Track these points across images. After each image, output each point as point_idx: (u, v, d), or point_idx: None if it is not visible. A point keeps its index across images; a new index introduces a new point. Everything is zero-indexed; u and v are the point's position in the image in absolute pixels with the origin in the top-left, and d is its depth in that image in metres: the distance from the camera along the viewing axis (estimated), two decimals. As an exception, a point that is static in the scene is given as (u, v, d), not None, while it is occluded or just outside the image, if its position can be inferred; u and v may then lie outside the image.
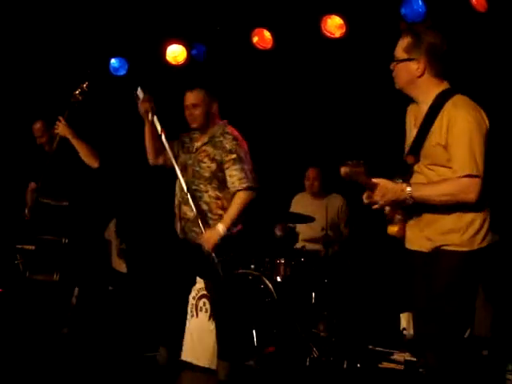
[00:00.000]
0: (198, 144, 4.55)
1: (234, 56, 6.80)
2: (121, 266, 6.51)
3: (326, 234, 5.85)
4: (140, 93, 4.50)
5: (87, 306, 5.50)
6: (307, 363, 5.11)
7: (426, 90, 3.24)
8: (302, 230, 6.36)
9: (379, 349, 5.34)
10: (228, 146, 4.41)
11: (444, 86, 3.24)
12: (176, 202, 4.53)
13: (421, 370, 4.79)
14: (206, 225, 4.34)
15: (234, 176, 4.36)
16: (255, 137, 7.02)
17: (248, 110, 7.07)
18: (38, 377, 4.61)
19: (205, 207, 4.39)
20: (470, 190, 3.02)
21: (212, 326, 5.09)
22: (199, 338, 5.16)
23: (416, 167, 3.21)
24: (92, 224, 5.45)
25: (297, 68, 6.62)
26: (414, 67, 3.24)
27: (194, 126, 4.54)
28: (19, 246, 5.24)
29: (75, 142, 5.17)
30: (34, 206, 5.28)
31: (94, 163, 5.21)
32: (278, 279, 5.58)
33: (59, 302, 5.27)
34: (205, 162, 4.43)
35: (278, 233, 5.88)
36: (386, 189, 3.10)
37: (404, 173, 3.22)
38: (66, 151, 5.26)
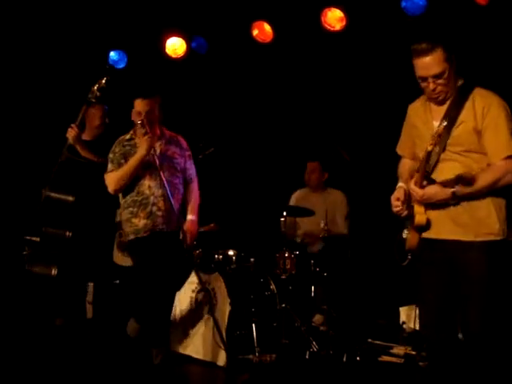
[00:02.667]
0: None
1: (233, 49, 6.78)
2: (122, 259, 6.49)
3: (326, 228, 5.84)
4: None
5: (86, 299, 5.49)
6: (307, 357, 5.12)
7: (452, 86, 3.31)
8: (302, 223, 6.37)
9: (379, 342, 5.33)
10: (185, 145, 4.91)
11: (461, 80, 3.35)
12: (156, 199, 4.62)
13: (420, 363, 4.80)
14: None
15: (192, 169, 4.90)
16: (255, 130, 7.06)
17: (248, 103, 7.06)
18: (33, 369, 4.63)
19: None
20: (510, 171, 3.17)
21: (211, 319, 5.10)
22: (198, 330, 5.16)
23: (444, 155, 3.27)
24: (97, 218, 5.43)
25: (297, 61, 6.60)
26: (455, 64, 3.29)
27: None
28: (28, 238, 5.22)
29: (80, 150, 5.18)
30: (44, 200, 5.27)
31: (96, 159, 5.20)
32: (278, 273, 5.57)
33: (56, 295, 5.26)
34: (176, 158, 4.80)
35: (316, 248, 5.90)
36: (434, 190, 3.21)
37: (431, 163, 3.29)
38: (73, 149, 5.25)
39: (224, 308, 5.08)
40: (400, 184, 3.55)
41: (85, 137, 5.35)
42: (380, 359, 5.06)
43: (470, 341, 3.25)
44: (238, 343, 5.04)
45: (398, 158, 3.73)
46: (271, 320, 5.25)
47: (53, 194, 5.19)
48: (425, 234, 3.37)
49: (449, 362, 3.30)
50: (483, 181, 3.15)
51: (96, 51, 6.78)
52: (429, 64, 3.21)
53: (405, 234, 3.48)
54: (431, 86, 3.26)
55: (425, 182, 3.27)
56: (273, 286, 5.39)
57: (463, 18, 5.54)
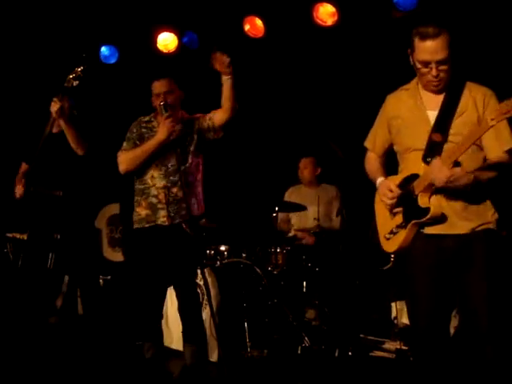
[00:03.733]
0: None
1: (225, 44, 6.75)
2: (112, 254, 6.48)
3: (318, 223, 5.85)
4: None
5: (78, 296, 5.47)
6: (299, 352, 5.12)
7: (450, 74, 3.26)
8: (295, 219, 6.37)
9: (371, 337, 5.36)
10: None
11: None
12: (157, 190, 4.39)
13: (412, 358, 4.81)
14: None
15: None
16: (248, 126, 7.05)
17: (240, 98, 7.04)
18: (26, 367, 4.60)
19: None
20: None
21: (202, 314, 5.09)
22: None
23: (445, 146, 3.17)
24: (84, 214, 5.39)
25: (289, 56, 6.59)
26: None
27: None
28: (9, 235, 5.20)
29: (64, 125, 5.04)
30: (26, 195, 5.21)
31: (79, 150, 5.08)
32: (270, 268, 5.58)
33: (48, 292, 5.25)
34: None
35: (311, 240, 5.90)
36: (462, 173, 3.08)
37: (434, 152, 3.17)
38: (58, 139, 5.18)
39: (215, 303, 5.08)
40: (381, 178, 3.42)
41: (53, 130, 5.25)
42: (372, 354, 5.08)
43: (479, 336, 3.16)
44: (230, 338, 5.04)
45: (391, 154, 3.62)
46: (263, 315, 5.25)
47: (38, 189, 5.16)
48: (427, 230, 3.24)
49: (438, 358, 3.25)
50: (492, 171, 3.14)
51: (87, 46, 6.74)
52: (435, 48, 3.13)
53: (388, 235, 3.36)
54: (434, 71, 3.17)
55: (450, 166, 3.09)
56: (264, 282, 5.38)
57: (454, 13, 5.54)
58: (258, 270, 5.45)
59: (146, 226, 4.37)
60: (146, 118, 4.59)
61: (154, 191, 4.36)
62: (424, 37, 3.15)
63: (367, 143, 3.61)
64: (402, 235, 3.27)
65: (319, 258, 5.75)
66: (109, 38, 6.99)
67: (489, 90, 3.25)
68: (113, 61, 7.05)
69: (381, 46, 6.10)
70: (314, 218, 5.91)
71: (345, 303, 5.52)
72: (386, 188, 3.32)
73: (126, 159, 4.40)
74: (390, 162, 3.63)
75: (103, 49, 7.02)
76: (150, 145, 4.35)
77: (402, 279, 3.39)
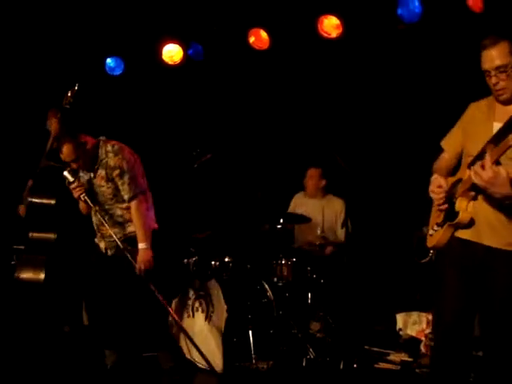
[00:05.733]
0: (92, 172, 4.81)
1: (230, 56, 6.79)
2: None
3: (323, 236, 5.85)
4: (68, 175, 4.63)
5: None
6: (304, 364, 5.11)
7: None
8: (299, 230, 6.37)
9: (375, 349, 5.34)
10: (112, 163, 4.70)
11: None
12: (94, 226, 4.87)
13: (417, 370, 4.81)
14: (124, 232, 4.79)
15: (124, 190, 4.72)
16: (252, 137, 7.07)
17: (244, 110, 7.07)
18: (39, 375, 4.64)
19: (120, 219, 4.80)
20: None
21: (207, 326, 5.10)
22: (194, 338, 5.15)
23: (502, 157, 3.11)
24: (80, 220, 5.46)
25: (294, 68, 6.61)
26: None
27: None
28: (16, 247, 5.25)
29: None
30: (27, 206, 5.30)
31: None
32: (275, 280, 5.58)
33: (59, 301, 5.31)
34: (103, 186, 4.76)
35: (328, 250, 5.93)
36: (505, 180, 3.00)
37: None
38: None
39: (221, 315, 5.08)
40: (436, 175, 3.41)
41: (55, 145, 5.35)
42: (377, 366, 5.06)
43: (492, 354, 3.21)
44: (235, 350, 5.04)
45: (397, 165, 3.67)
46: (268, 327, 5.25)
47: (35, 200, 5.23)
48: (459, 233, 3.30)
49: (456, 368, 3.27)
50: None
51: (93, 58, 6.79)
52: (493, 56, 3.18)
53: (431, 230, 3.42)
54: (493, 79, 3.21)
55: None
56: (269, 293, 5.38)
57: (458, 25, 5.56)
58: (263, 281, 5.45)
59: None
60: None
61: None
62: (484, 47, 3.22)
63: (443, 143, 3.62)
64: (439, 234, 3.35)
65: (324, 270, 5.75)
66: (114, 50, 7.02)
67: None
68: (118, 72, 7.08)
69: (385, 58, 6.12)
70: (318, 230, 5.91)
71: (349, 315, 5.51)
72: (437, 184, 3.35)
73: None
74: (388, 169, 3.62)
75: (109, 60, 7.05)
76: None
77: (435, 276, 3.42)
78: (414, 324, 5.39)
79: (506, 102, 3.28)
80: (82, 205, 4.81)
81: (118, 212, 4.80)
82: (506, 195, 3.02)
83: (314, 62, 6.53)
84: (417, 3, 5.59)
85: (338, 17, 6.04)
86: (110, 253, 4.83)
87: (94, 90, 5.97)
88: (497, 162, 3.03)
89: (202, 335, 5.09)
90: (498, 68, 3.19)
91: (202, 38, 6.83)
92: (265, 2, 6.26)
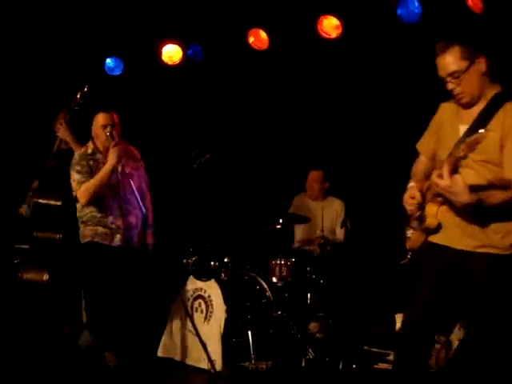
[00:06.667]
0: None
1: (229, 56, 6.79)
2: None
3: (323, 235, 5.84)
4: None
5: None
6: (303, 364, 5.11)
7: (483, 89, 3.27)
8: (299, 230, 6.37)
9: (375, 349, 5.34)
10: None
11: (498, 88, 3.30)
12: (116, 217, 4.85)
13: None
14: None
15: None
16: (251, 137, 7.07)
17: (244, 110, 7.07)
18: (38, 376, 4.64)
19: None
20: None
21: (207, 326, 5.09)
22: (194, 339, 5.15)
23: (463, 161, 3.17)
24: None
25: (293, 68, 6.61)
26: (481, 66, 3.25)
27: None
28: (18, 246, 5.25)
29: (74, 146, 5.17)
30: (33, 207, 5.30)
31: None
32: (274, 280, 5.57)
33: (59, 302, 5.32)
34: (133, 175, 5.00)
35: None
36: (463, 189, 3.03)
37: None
38: (65, 152, 5.26)
39: (220, 315, 5.07)
40: (412, 184, 3.47)
41: (62, 146, 5.38)
42: (376, 366, 5.06)
43: (475, 351, 3.25)
44: (234, 350, 5.04)
45: (395, 166, 3.68)
46: (267, 327, 5.24)
47: (41, 200, 5.22)
48: (431, 238, 3.35)
49: (419, 365, 3.36)
50: (503, 196, 3.06)
51: (92, 58, 6.78)
52: (445, 63, 3.19)
53: (409, 233, 3.45)
54: (449, 85, 3.23)
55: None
56: (269, 294, 5.38)
57: (458, 26, 5.56)
58: (262, 282, 5.44)
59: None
60: (89, 151, 4.88)
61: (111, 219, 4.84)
62: (436, 53, 3.23)
63: (418, 146, 3.65)
64: (414, 237, 3.41)
65: (323, 270, 5.75)
66: (114, 50, 7.01)
67: None
68: (118, 73, 7.07)
69: (385, 58, 6.12)
70: (319, 230, 5.91)
71: (349, 315, 5.51)
72: (410, 195, 3.39)
73: (86, 191, 4.73)
74: (387, 170, 3.65)
75: (108, 60, 7.04)
76: (105, 171, 4.71)
77: (412, 277, 3.47)
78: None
79: (467, 106, 3.29)
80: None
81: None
82: (465, 204, 3.05)
83: (314, 63, 6.53)
84: (416, 3, 5.59)
85: (338, 17, 6.04)
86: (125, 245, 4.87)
87: (94, 90, 5.93)
88: (455, 171, 3.09)
89: (201, 335, 5.08)
90: (451, 74, 3.21)
91: (202, 38, 6.82)
92: (264, 3, 6.26)
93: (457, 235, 3.24)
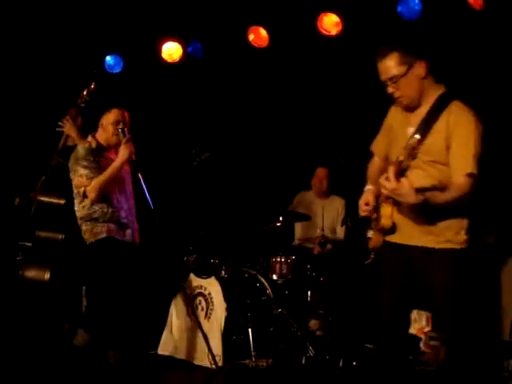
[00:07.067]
0: None
1: (229, 54, 6.78)
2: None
3: (323, 235, 5.84)
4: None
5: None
6: (303, 362, 5.11)
7: (427, 92, 3.33)
8: (299, 228, 6.37)
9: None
10: None
11: (443, 88, 3.36)
12: (125, 211, 4.81)
13: (417, 368, 4.80)
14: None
15: None
16: (251, 134, 7.07)
17: (244, 107, 7.06)
18: (38, 373, 4.64)
19: None
20: (470, 188, 3.16)
21: (207, 324, 5.09)
22: (194, 335, 5.15)
23: (413, 162, 3.27)
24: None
25: (293, 66, 6.60)
26: (420, 70, 3.30)
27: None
28: (22, 243, 5.23)
29: (78, 142, 5.15)
30: (36, 205, 5.29)
31: None
32: (274, 277, 5.57)
33: (60, 299, 5.31)
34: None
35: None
36: (409, 190, 3.09)
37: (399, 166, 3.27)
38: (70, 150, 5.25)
39: (220, 313, 5.07)
40: (368, 187, 3.56)
41: (68, 143, 5.36)
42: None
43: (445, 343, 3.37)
44: (235, 348, 5.04)
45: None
46: (267, 325, 5.24)
47: (44, 198, 5.20)
48: (388, 238, 3.45)
49: (396, 359, 3.46)
50: (448, 195, 3.17)
51: (92, 56, 6.77)
52: (385, 67, 3.29)
53: (370, 233, 3.55)
54: (389, 89, 3.33)
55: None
56: (269, 291, 5.38)
57: (458, 22, 5.55)
58: (262, 279, 5.44)
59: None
60: (94, 146, 4.81)
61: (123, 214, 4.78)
62: (376, 58, 3.33)
63: (372, 147, 3.73)
64: (374, 237, 3.51)
65: (324, 268, 5.74)
66: (113, 48, 7.01)
67: (469, 115, 3.25)
68: (117, 70, 7.06)
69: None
70: (319, 228, 5.91)
71: (349, 313, 5.51)
72: (364, 200, 3.49)
73: (96, 186, 4.64)
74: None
75: (108, 58, 7.04)
76: (116, 166, 4.66)
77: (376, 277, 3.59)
78: (413, 322, 5.37)
79: (408, 108, 3.37)
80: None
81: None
82: (412, 204, 3.13)
83: (314, 60, 6.52)
84: (417, 0, 5.58)
85: (338, 14, 6.03)
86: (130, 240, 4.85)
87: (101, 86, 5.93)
88: (401, 174, 3.18)
89: (202, 333, 5.08)
90: (390, 79, 3.29)
91: (202, 35, 6.82)
92: (264, 0, 6.25)
93: (415, 234, 3.34)
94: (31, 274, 5.10)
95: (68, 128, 5.22)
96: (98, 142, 4.84)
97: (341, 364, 4.94)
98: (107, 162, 4.74)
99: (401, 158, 3.20)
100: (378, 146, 3.67)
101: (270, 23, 6.43)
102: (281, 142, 6.91)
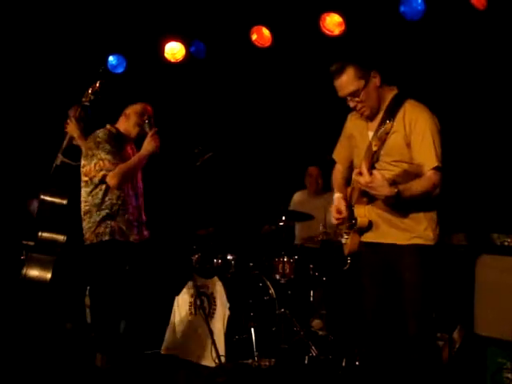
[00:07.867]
0: None
1: (232, 53, 6.78)
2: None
3: (325, 232, 5.84)
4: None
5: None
6: (306, 361, 5.11)
7: (382, 98, 3.44)
8: (301, 228, 6.36)
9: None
10: None
11: (395, 90, 3.48)
12: (133, 209, 4.56)
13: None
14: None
15: None
16: (254, 134, 7.07)
17: (247, 107, 7.07)
18: (40, 372, 4.66)
19: None
20: (438, 181, 3.27)
21: (210, 323, 5.09)
22: (197, 335, 5.16)
23: (377, 165, 3.37)
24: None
25: (296, 66, 6.60)
26: (376, 80, 3.41)
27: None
28: (25, 242, 5.24)
29: (80, 143, 5.13)
30: (38, 204, 5.29)
31: None
32: (277, 277, 5.57)
33: (62, 298, 5.32)
34: None
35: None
36: (382, 182, 3.16)
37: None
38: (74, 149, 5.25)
39: (223, 312, 5.08)
40: (337, 194, 3.66)
41: (73, 142, 5.32)
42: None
43: (407, 343, 3.39)
44: (237, 348, 5.04)
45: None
46: (270, 325, 5.25)
47: (47, 198, 5.20)
48: (364, 238, 3.53)
49: (383, 359, 3.52)
50: (419, 186, 3.25)
51: (95, 55, 6.78)
52: (342, 85, 3.38)
53: (343, 239, 3.63)
54: (351, 104, 3.41)
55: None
56: (272, 291, 5.38)
57: (461, 23, 5.55)
58: (265, 279, 5.44)
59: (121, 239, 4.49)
60: (114, 131, 4.62)
61: (131, 209, 4.52)
62: (332, 75, 3.45)
63: (334, 155, 3.85)
64: (349, 241, 3.58)
65: (326, 268, 5.74)
66: (116, 48, 7.01)
67: (424, 111, 3.35)
68: (120, 70, 7.07)
69: (388, 55, 6.10)
70: (320, 227, 5.90)
71: (352, 312, 5.50)
72: (336, 209, 3.60)
73: (120, 172, 4.36)
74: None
75: (111, 58, 7.05)
76: (142, 157, 4.47)
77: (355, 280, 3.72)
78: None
79: (370, 118, 3.46)
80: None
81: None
82: (386, 195, 3.20)
83: (317, 60, 6.50)
84: (420, 0, 5.58)
85: (341, 14, 6.03)
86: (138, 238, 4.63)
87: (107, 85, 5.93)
88: (373, 167, 3.29)
89: (204, 333, 5.09)
90: (350, 94, 3.38)
91: (205, 35, 6.82)
92: (267, 0, 6.25)
93: (386, 230, 3.42)
94: (33, 273, 5.11)
95: (71, 128, 5.20)
96: (117, 130, 4.65)
97: (343, 364, 4.94)
98: (125, 153, 4.54)
99: (375, 149, 3.27)
100: (340, 154, 3.78)
101: (272, 23, 6.43)
102: (283, 142, 6.92)
